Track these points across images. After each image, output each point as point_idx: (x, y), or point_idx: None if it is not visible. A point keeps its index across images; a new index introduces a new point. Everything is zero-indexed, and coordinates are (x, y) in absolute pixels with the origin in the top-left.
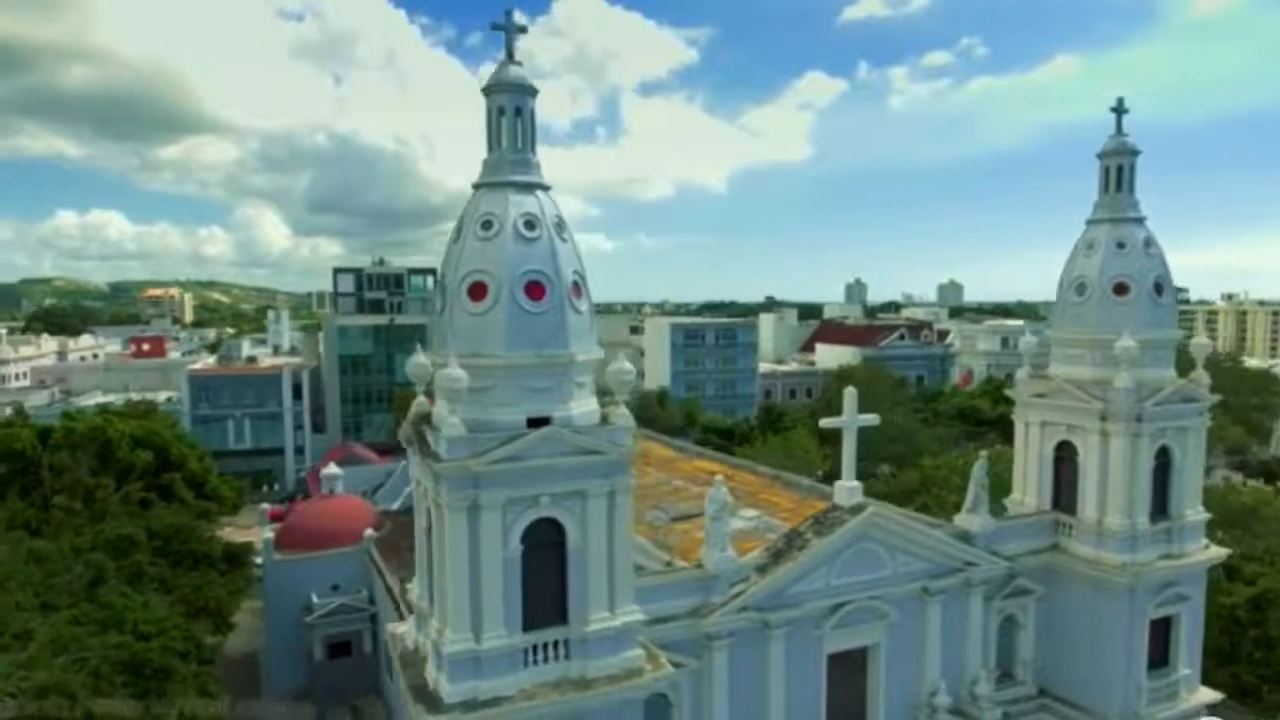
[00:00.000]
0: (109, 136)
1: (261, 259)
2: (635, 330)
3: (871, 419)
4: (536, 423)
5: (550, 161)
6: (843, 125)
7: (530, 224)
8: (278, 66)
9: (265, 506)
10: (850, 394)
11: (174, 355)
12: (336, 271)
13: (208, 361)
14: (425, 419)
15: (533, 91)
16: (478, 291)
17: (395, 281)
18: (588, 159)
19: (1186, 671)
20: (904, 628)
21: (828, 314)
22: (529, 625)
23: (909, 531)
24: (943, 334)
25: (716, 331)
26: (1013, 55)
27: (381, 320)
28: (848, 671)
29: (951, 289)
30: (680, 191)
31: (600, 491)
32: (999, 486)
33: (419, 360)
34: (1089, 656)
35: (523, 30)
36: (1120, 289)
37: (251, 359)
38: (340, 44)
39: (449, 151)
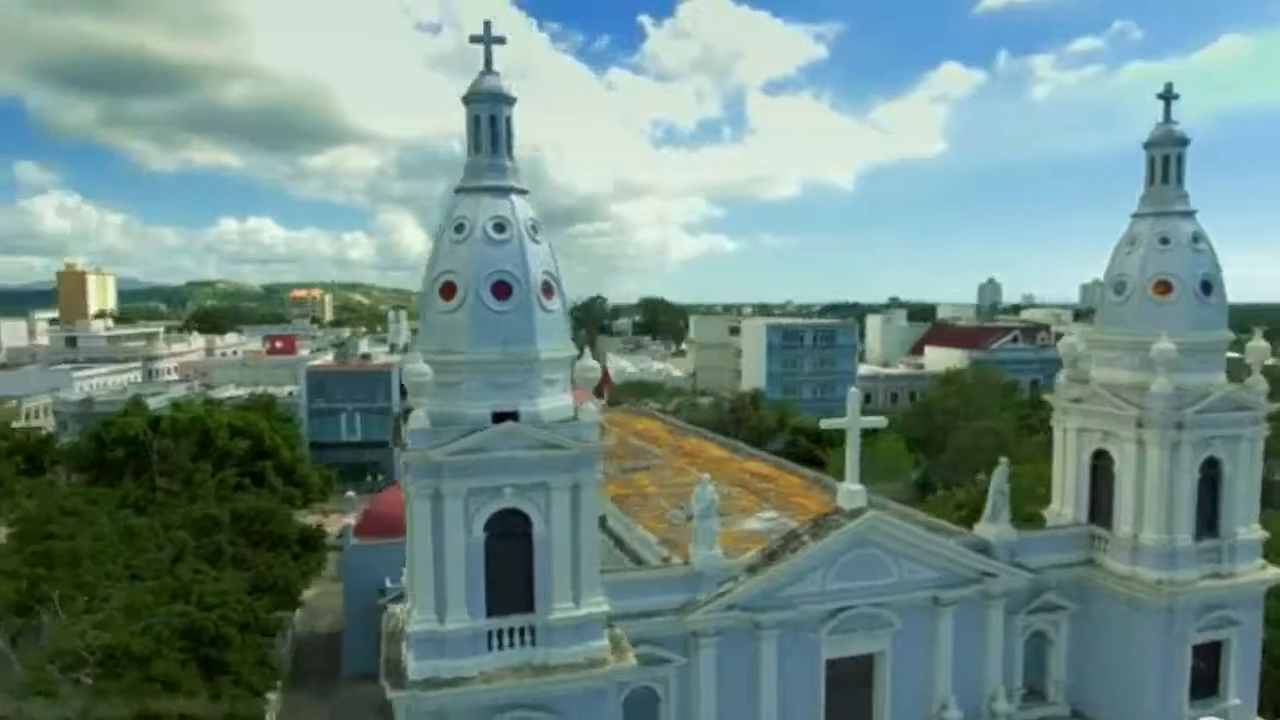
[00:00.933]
0: (264, 148)
1: (399, 261)
2: (734, 331)
3: (877, 421)
4: (503, 417)
5: (674, 163)
6: (979, 118)
7: (500, 227)
8: (415, 77)
9: (351, 494)
10: (854, 395)
11: (304, 353)
12: None
13: (327, 359)
14: (408, 413)
15: (509, 100)
16: (447, 291)
17: None
18: (712, 160)
19: (1237, 701)
20: (912, 637)
21: (941, 315)
22: (495, 610)
23: (915, 539)
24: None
25: (815, 333)
26: (1171, 38)
27: None
28: (850, 678)
29: (1095, 288)
30: (806, 190)
31: (564, 485)
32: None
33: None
34: (1124, 679)
35: (500, 41)
36: (1162, 287)
37: (366, 357)
38: (475, 53)
39: (577, 155)
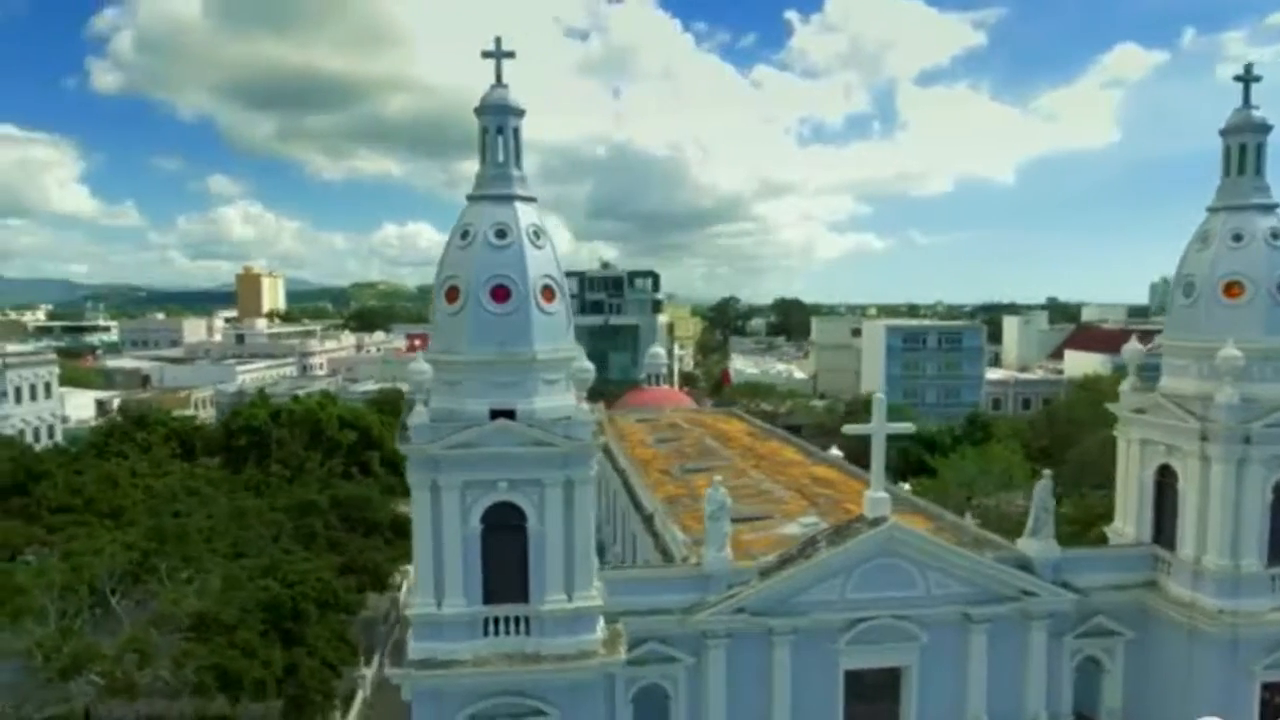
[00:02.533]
0: (422, 156)
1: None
2: (857, 333)
3: (904, 427)
4: (501, 414)
5: (821, 161)
6: (1158, 103)
7: (501, 233)
8: (563, 84)
9: None
10: (879, 400)
11: None
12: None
13: None
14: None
15: (517, 112)
16: (451, 294)
17: (615, 284)
18: (861, 156)
19: None
20: (941, 653)
21: (1087, 316)
22: (491, 599)
23: (941, 551)
24: None
25: (940, 335)
26: None
27: (596, 321)
28: (873, 692)
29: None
30: (960, 186)
31: (556, 482)
32: None
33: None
34: (1185, 714)
35: (509, 55)
36: (1233, 289)
37: None
38: (621, 57)
39: (720, 156)
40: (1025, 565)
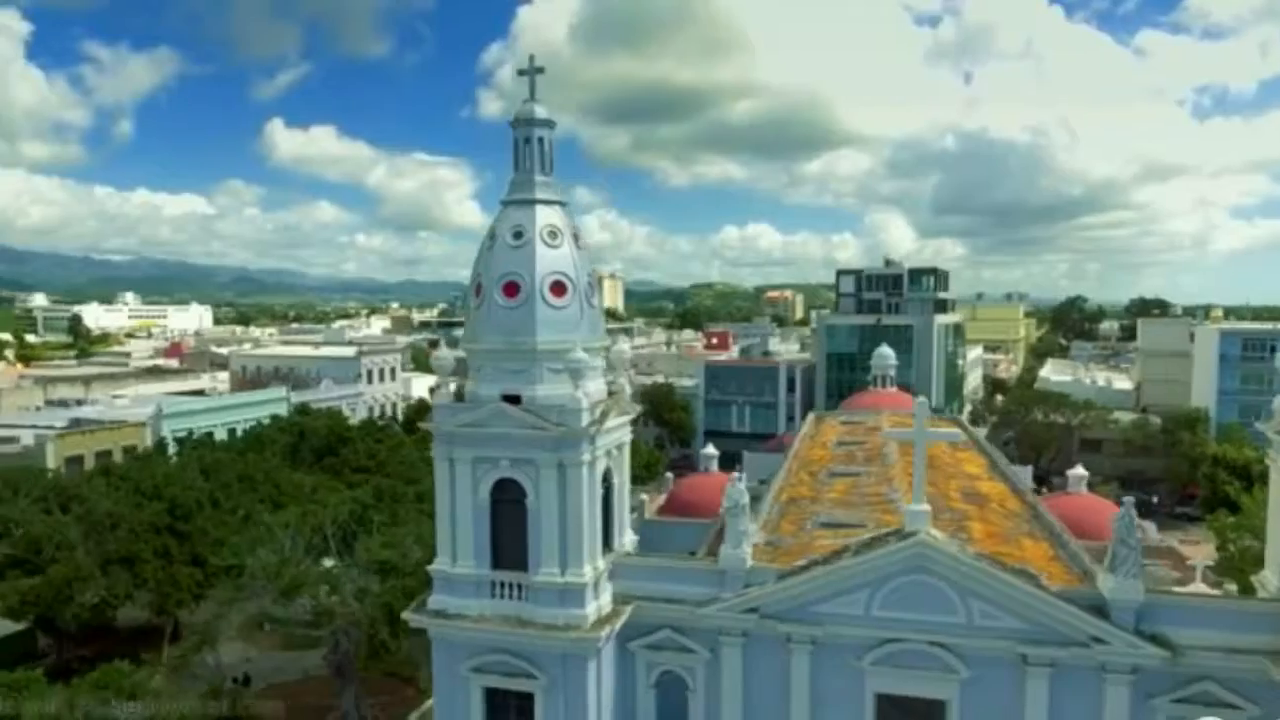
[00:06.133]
0: (763, 158)
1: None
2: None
3: (950, 434)
4: (510, 399)
5: (1223, 136)
6: None
7: (518, 234)
8: (909, 74)
9: (669, 475)
10: (920, 403)
11: (734, 350)
12: (839, 273)
13: (732, 353)
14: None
15: (545, 124)
16: (477, 291)
17: (894, 282)
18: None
19: None
20: (990, 693)
21: None
22: (498, 564)
23: (984, 576)
24: None
25: None
26: None
27: (869, 320)
28: None
29: None
30: None
31: (550, 463)
32: None
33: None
34: None
35: (540, 71)
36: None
37: (766, 354)
38: (976, 39)
39: (1092, 137)
40: (1100, 607)
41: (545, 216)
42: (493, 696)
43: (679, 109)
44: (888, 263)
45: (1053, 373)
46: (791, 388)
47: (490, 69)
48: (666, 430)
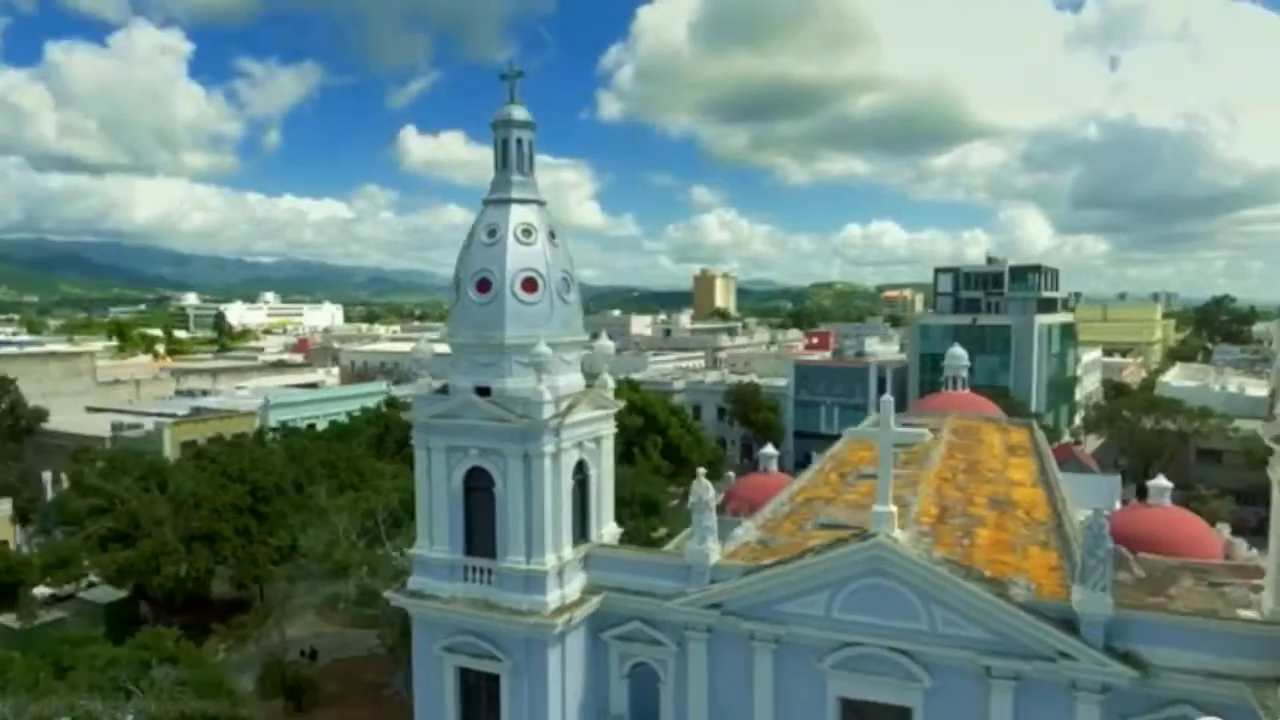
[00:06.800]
0: (888, 154)
1: (1022, 260)
2: None
3: (916, 433)
4: (483, 391)
5: None
6: None
7: (492, 232)
8: (1048, 62)
9: (731, 474)
10: (887, 401)
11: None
12: (937, 271)
13: (825, 354)
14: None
15: (524, 125)
16: (456, 286)
17: (994, 280)
18: None
19: None
20: (954, 703)
21: None
22: (471, 550)
23: (942, 582)
24: None
25: None
26: None
27: (964, 320)
28: None
29: None
30: None
31: (515, 453)
32: None
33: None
34: None
35: (520, 75)
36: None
37: (859, 354)
38: (1124, 21)
39: (1256, 123)
40: (1071, 621)
41: (519, 215)
42: (465, 677)
43: (799, 105)
44: (990, 260)
45: (1177, 378)
46: (882, 388)
47: (610, 70)
48: (753, 431)
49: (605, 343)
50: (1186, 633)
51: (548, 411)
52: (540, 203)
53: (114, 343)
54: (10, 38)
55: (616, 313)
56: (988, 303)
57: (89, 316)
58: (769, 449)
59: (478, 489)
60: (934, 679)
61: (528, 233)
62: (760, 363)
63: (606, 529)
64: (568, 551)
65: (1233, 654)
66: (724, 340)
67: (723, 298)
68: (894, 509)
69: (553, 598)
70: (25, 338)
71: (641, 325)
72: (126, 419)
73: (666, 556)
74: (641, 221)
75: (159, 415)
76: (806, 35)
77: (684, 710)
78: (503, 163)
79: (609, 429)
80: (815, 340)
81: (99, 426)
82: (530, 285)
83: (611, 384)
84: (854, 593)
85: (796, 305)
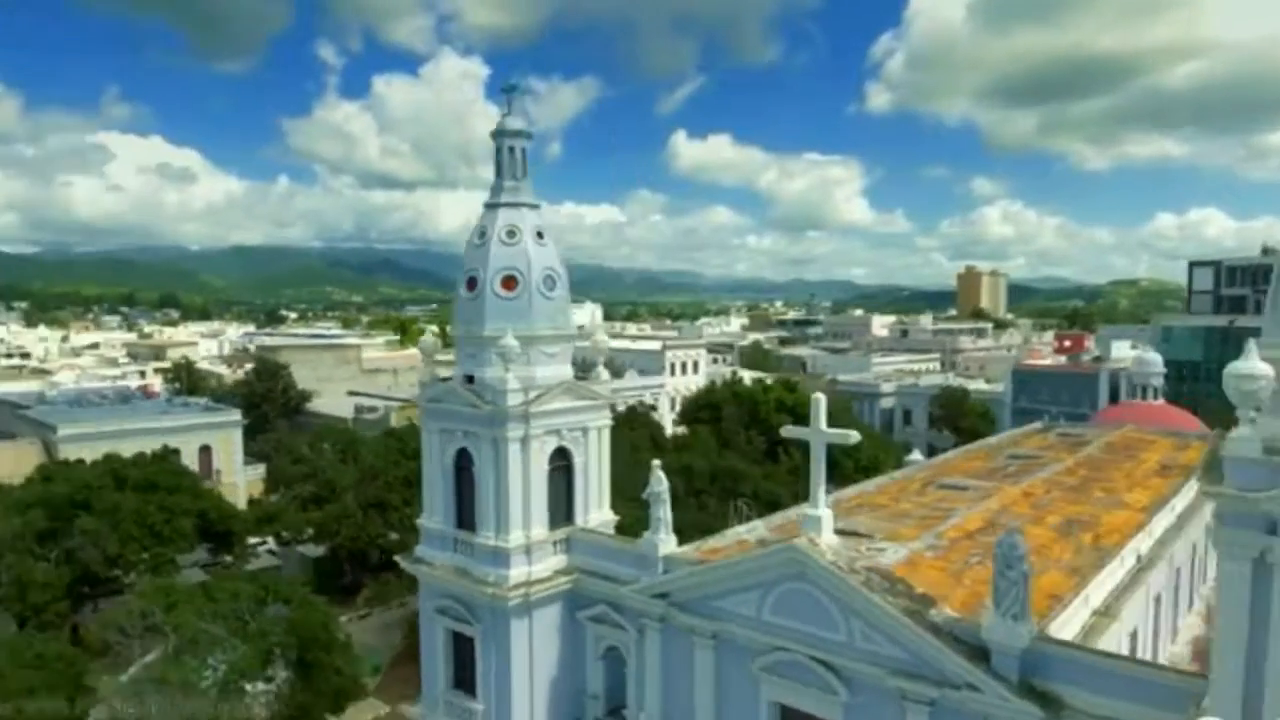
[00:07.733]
0: (1211, 131)
1: None
2: None
3: (846, 435)
4: (470, 379)
5: None
6: None
7: (482, 234)
8: None
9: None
10: (818, 399)
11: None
12: (1191, 265)
13: (1060, 358)
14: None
15: (521, 135)
16: (457, 284)
17: (1265, 275)
18: None
19: None
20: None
21: None
22: (460, 524)
23: (853, 596)
24: None
25: None
26: None
27: (1219, 322)
28: None
29: None
30: None
31: (486, 437)
32: None
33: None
34: None
35: (514, 89)
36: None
37: (1098, 359)
38: None
39: None
40: (980, 649)
41: (505, 218)
42: (456, 639)
43: (1097, 82)
44: (1265, 251)
45: None
46: (1115, 397)
47: (879, 60)
48: (961, 438)
49: (601, 338)
50: (1117, 678)
51: (514, 399)
52: (532, 206)
53: (396, 337)
54: (346, 74)
55: (859, 312)
56: (1256, 300)
57: (391, 313)
58: (914, 455)
59: (465, 468)
60: (852, 694)
61: (512, 234)
62: (995, 366)
63: (596, 515)
64: (539, 531)
65: (1164, 706)
66: (964, 342)
67: (989, 296)
68: (826, 512)
69: (516, 573)
70: (337, 331)
71: (880, 326)
72: (367, 402)
73: (625, 544)
74: (913, 217)
75: (390, 399)
76: (1106, 2)
77: (642, 696)
78: (498, 170)
79: (598, 420)
80: (1068, 343)
81: (348, 409)
82: (509, 283)
83: (606, 377)
84: (781, 596)
85: (1089, 304)
